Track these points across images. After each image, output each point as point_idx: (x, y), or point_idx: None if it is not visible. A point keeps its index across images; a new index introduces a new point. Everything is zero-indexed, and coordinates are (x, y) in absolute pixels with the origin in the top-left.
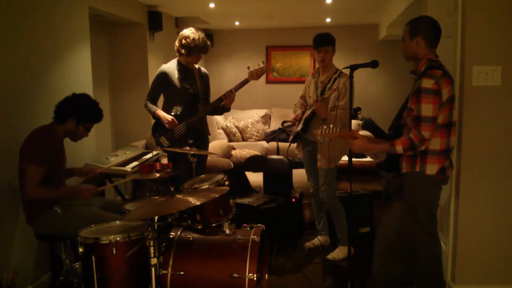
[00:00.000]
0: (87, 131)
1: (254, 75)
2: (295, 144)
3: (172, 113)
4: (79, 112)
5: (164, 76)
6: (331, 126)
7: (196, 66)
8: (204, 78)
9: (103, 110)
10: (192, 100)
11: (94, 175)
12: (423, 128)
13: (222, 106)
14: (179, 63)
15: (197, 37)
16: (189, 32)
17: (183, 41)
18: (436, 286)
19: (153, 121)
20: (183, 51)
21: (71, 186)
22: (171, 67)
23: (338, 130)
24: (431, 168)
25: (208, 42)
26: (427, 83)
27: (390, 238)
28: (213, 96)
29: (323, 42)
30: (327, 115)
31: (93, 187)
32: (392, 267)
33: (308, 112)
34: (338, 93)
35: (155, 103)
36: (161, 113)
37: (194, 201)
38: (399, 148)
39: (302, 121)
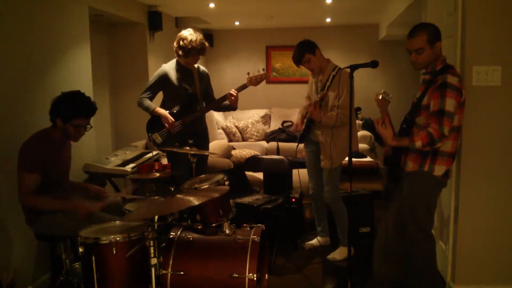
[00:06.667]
0: (79, 128)
1: (254, 81)
2: (302, 145)
3: (168, 111)
4: (60, 110)
5: (163, 76)
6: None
7: (196, 65)
8: (204, 77)
9: (96, 106)
10: (190, 100)
11: (102, 197)
12: (445, 122)
13: (228, 105)
14: (178, 63)
15: (194, 38)
16: (187, 33)
17: (181, 42)
18: (432, 285)
19: None
20: (180, 52)
21: (66, 203)
22: (170, 67)
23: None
24: (439, 169)
25: (207, 43)
26: (453, 80)
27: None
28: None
29: (299, 57)
30: (321, 118)
31: (89, 206)
32: (392, 267)
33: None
34: (338, 91)
35: (151, 100)
36: (163, 111)
37: (194, 200)
38: (418, 144)
39: (305, 122)
